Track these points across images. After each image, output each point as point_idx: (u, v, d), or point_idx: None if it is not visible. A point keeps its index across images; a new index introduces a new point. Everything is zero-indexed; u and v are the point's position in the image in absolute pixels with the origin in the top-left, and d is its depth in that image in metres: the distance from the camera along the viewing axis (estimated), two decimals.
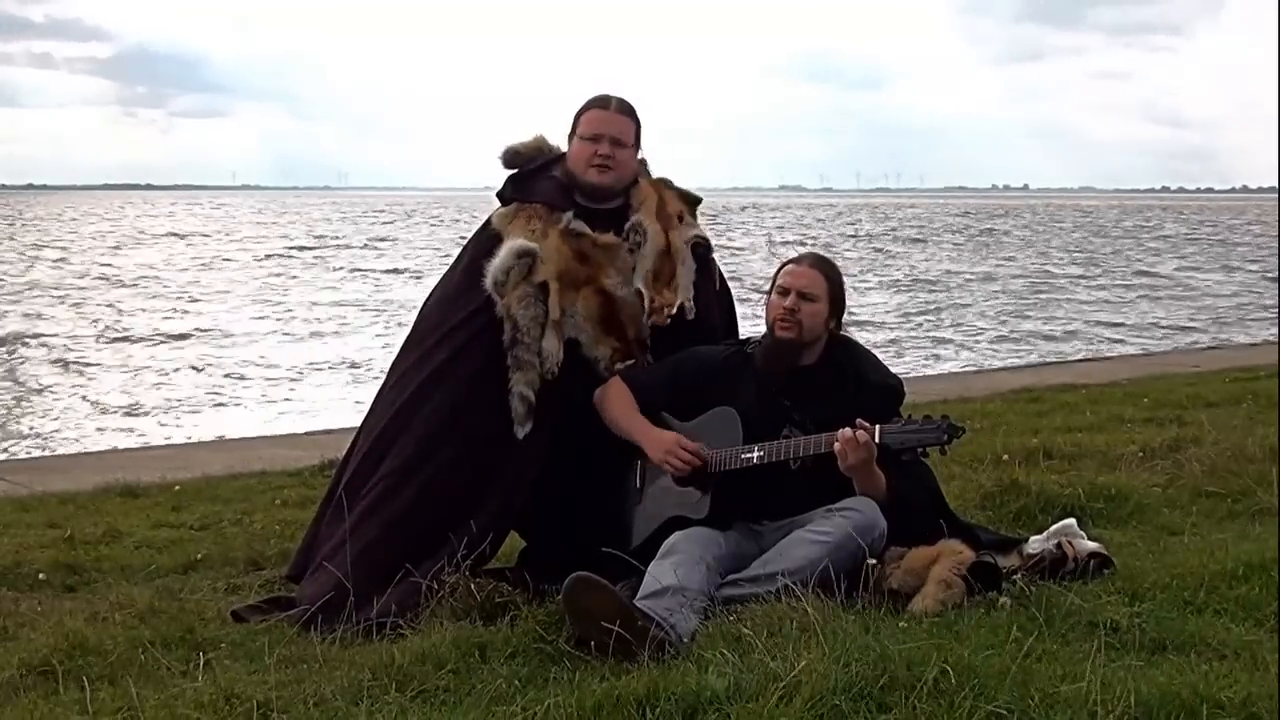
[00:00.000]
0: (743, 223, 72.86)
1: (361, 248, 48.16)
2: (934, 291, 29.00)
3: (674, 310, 4.55)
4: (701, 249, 4.70)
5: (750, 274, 25.96)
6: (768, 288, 4.49)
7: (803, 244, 46.65)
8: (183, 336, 20.03)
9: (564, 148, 4.71)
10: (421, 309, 4.83)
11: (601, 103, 4.65)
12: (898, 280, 32.11)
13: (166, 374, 16.12)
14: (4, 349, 18.47)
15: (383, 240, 53.73)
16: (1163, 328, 22.18)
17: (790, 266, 4.44)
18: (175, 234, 57.87)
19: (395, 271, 35.10)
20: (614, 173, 4.60)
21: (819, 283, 4.36)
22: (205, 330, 20.86)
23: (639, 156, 4.72)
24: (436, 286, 4.84)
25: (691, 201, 4.79)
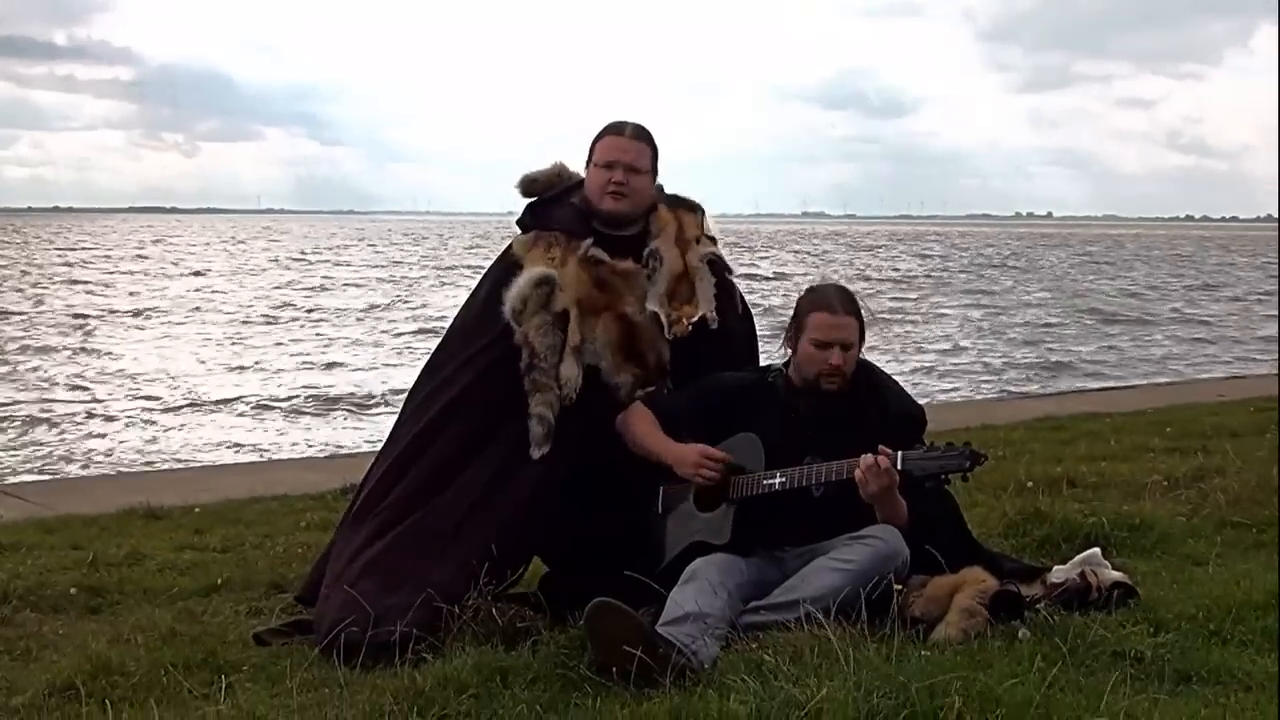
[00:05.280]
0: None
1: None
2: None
3: (695, 319, 4.53)
4: (718, 267, 4.71)
5: None
6: (791, 326, 4.39)
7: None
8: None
9: (583, 175, 4.72)
10: (443, 337, 4.84)
11: (616, 129, 4.65)
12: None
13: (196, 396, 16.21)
14: None
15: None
16: None
17: (825, 317, 4.28)
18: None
19: None
20: (629, 200, 4.59)
21: (855, 329, 4.31)
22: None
23: (657, 183, 4.73)
24: (458, 314, 4.86)
25: (696, 211, 4.76)
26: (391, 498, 4.50)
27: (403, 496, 4.48)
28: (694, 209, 4.76)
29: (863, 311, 4.40)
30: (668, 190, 4.78)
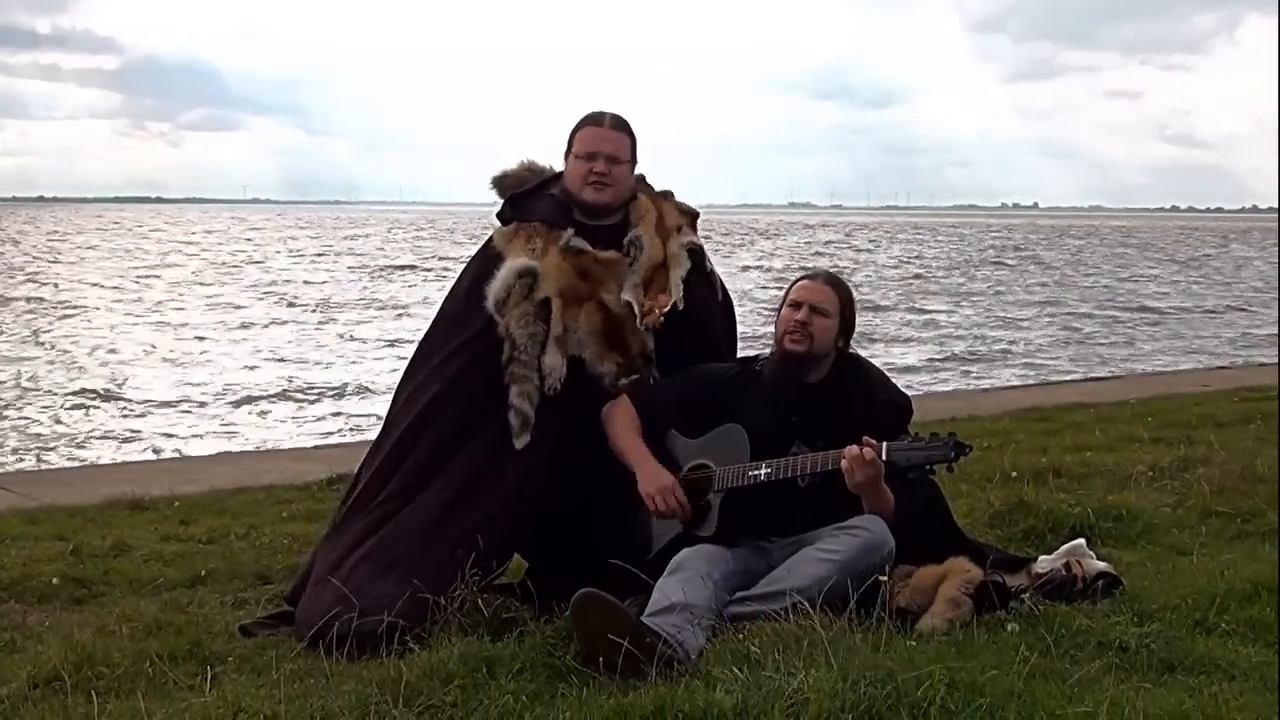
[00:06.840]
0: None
1: None
2: None
3: (666, 310, 4.53)
4: (696, 255, 4.70)
5: None
6: (779, 304, 4.49)
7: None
8: None
9: (554, 168, 4.72)
10: (427, 330, 4.83)
11: (595, 120, 4.65)
12: None
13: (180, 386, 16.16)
14: None
15: None
16: None
17: (804, 281, 4.45)
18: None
19: None
20: (611, 190, 4.59)
21: (832, 299, 4.37)
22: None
23: (637, 171, 4.72)
24: (441, 307, 4.85)
25: (690, 215, 4.78)
26: (383, 495, 4.50)
27: (393, 493, 4.49)
28: (689, 213, 4.77)
29: (853, 298, 4.45)
30: (663, 188, 4.79)
